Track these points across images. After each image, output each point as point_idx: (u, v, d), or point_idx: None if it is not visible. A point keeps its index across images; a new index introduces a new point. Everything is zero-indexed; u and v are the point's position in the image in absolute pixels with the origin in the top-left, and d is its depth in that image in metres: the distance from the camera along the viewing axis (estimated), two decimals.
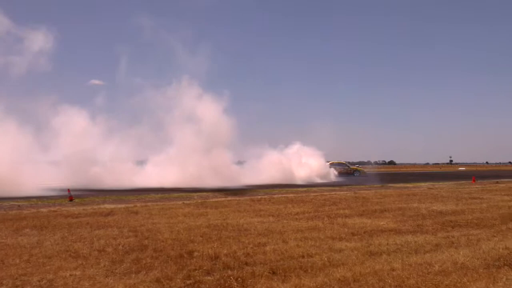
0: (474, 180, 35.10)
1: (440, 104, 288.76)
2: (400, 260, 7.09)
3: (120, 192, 22.94)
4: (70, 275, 6.34)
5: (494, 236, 9.38)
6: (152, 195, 20.35)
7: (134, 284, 5.93)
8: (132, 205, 15.61)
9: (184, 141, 37.75)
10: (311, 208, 14.58)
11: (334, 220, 11.60)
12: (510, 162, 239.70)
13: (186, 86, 40.63)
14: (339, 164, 57.91)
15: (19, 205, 15.72)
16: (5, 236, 9.39)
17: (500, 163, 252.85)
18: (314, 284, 5.88)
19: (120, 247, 8.15)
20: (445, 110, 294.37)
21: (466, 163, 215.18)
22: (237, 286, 5.87)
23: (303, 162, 45.77)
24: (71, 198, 17.91)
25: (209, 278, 6.19)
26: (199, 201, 17.24)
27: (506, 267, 6.74)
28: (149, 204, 16.01)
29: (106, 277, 6.25)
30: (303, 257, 7.39)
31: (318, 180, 41.50)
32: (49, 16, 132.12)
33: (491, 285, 5.92)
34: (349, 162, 64.63)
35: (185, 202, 16.77)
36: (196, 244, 8.45)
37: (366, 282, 5.98)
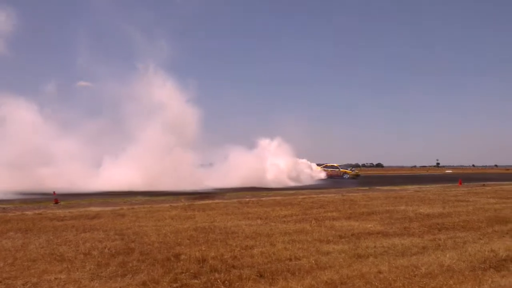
0: (460, 183, 35.39)
1: (428, 107, 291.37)
2: (387, 263, 7.11)
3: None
4: (55, 278, 6.26)
5: (480, 239, 9.46)
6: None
7: (120, 287, 5.87)
8: (118, 207, 15.49)
9: (144, 138, 34.85)
10: (299, 210, 14.58)
11: (321, 223, 11.61)
12: (496, 165, 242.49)
13: (146, 74, 37.85)
14: (332, 166, 58.17)
15: (4, 208, 15.52)
16: None
17: (486, 166, 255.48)
18: (301, 287, 5.86)
19: (106, 250, 8.07)
20: (432, 114, 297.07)
21: (453, 166, 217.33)
22: None
23: (274, 163, 42.22)
24: (56, 201, 17.71)
25: (196, 281, 6.15)
26: (187, 203, 17.16)
27: (491, 269, 6.79)
28: (136, 207, 15.90)
29: (92, 280, 6.18)
30: (290, 260, 7.38)
31: (291, 183, 39.02)
32: None
33: (477, 287, 5.96)
34: (347, 165, 64.61)
35: (172, 204, 16.68)
36: (183, 247, 8.40)
37: (353, 285, 5.98)
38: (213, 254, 7.72)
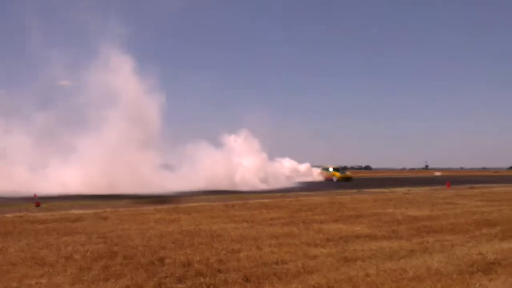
0: (448, 186, 35.58)
1: (416, 110, 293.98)
2: (374, 266, 7.02)
3: None
4: (36, 283, 6.10)
5: (468, 242, 9.42)
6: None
7: None
8: (101, 210, 15.27)
9: (99, 134, 31.28)
10: (287, 213, 14.48)
11: (309, 226, 11.51)
12: (484, 168, 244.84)
13: (102, 59, 33.79)
14: (326, 169, 58.40)
15: None
16: None
17: (474, 168, 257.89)
18: None
19: (89, 254, 7.90)
20: (421, 116, 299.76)
21: (442, 168, 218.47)
22: None
23: (242, 163, 39.19)
24: (37, 204, 17.42)
25: (180, 285, 6.03)
26: (172, 206, 16.97)
27: (479, 272, 6.74)
28: (119, 209, 15.69)
29: (73, 285, 6.02)
30: (277, 263, 7.27)
31: (262, 186, 36.12)
32: None
33: None
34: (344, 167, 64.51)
35: (157, 207, 16.49)
36: (167, 250, 8.25)
37: None
38: (198, 258, 7.59)
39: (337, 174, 57.36)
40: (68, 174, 29.17)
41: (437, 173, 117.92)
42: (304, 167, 63.37)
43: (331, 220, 12.89)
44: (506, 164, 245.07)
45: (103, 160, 29.70)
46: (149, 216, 13.45)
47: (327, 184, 44.29)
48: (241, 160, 39.62)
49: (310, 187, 37.79)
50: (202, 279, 6.27)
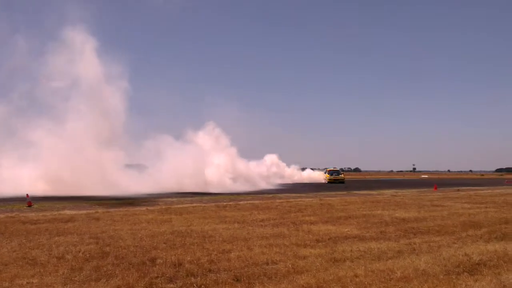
0: (436, 188, 35.90)
1: (404, 113, 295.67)
2: (363, 267, 7.13)
3: None
4: (27, 283, 6.12)
5: (455, 243, 9.58)
6: None
7: None
8: (93, 211, 15.25)
9: (59, 129, 28.47)
10: (277, 215, 14.58)
11: (299, 227, 11.62)
12: (471, 171, 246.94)
13: (65, 46, 30.33)
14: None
15: None
16: None
17: (461, 171, 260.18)
18: None
19: (80, 254, 7.92)
20: (409, 119, 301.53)
21: (429, 171, 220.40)
22: None
23: (216, 162, 36.48)
24: (29, 204, 17.35)
25: (171, 285, 6.08)
26: (164, 207, 16.99)
27: (465, 273, 6.86)
28: (111, 210, 15.68)
29: (65, 285, 6.05)
30: (267, 264, 7.35)
31: (235, 187, 33.72)
32: None
33: None
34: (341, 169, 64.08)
35: (148, 208, 16.50)
36: (159, 251, 8.30)
37: None
38: (189, 258, 7.65)
39: (327, 176, 57.28)
40: (24, 173, 26.76)
41: (424, 176, 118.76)
42: (293, 168, 63.45)
43: (321, 221, 13.01)
44: (492, 167, 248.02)
45: (64, 157, 27.13)
46: (141, 217, 13.48)
47: (309, 186, 43.92)
48: (211, 158, 37.01)
49: (290, 189, 36.99)
50: (193, 279, 6.33)
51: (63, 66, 30.22)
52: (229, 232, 10.59)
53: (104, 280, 6.27)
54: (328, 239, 9.84)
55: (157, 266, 7.07)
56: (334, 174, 57.69)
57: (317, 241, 9.58)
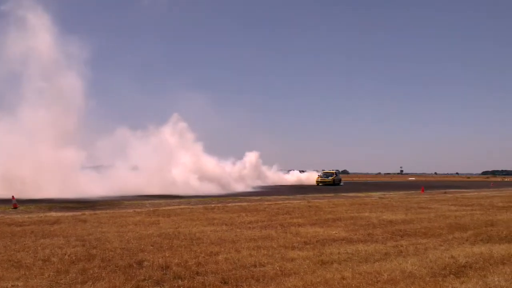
0: (423, 190, 36.17)
1: (392, 116, 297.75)
2: (350, 269, 7.16)
3: None
4: (12, 286, 6.04)
5: (441, 245, 9.66)
6: None
7: None
8: (80, 213, 15.11)
9: (6, 119, 25.47)
10: (265, 217, 14.58)
11: (287, 229, 11.63)
12: (457, 173, 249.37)
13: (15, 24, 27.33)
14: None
15: None
16: None
17: (448, 173, 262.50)
18: None
19: (66, 256, 7.83)
20: (397, 122, 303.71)
21: (416, 174, 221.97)
22: None
23: (182, 161, 33.22)
24: (15, 206, 17.14)
25: None
26: (151, 209, 16.91)
27: (451, 275, 6.92)
28: (98, 212, 15.55)
29: None
30: (255, 266, 7.35)
31: (204, 188, 30.56)
32: None
33: None
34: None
35: (136, 210, 16.40)
36: (146, 253, 8.25)
37: None
38: (177, 260, 7.61)
39: (317, 178, 56.97)
40: None
41: (412, 178, 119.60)
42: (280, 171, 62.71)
43: (309, 223, 13.03)
44: (478, 170, 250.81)
45: (15, 154, 24.54)
46: (128, 219, 13.36)
47: (284, 188, 42.32)
48: (176, 155, 33.95)
49: (268, 191, 35.39)
50: (180, 282, 6.30)
51: (12, 45, 27.32)
52: (217, 234, 10.56)
53: (91, 283, 6.21)
54: (316, 241, 9.86)
55: (144, 269, 7.02)
56: (323, 176, 57.32)
57: (305, 243, 9.59)
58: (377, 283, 6.39)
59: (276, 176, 61.02)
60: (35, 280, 6.32)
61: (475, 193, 33.75)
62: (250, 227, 11.97)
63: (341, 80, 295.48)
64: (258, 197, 26.13)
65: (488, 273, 7.06)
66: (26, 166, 24.38)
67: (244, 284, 6.26)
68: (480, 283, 6.50)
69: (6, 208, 16.67)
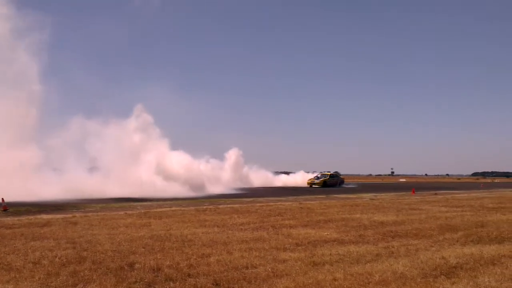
0: (414, 192, 36.35)
1: (382, 117, 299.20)
2: (342, 270, 7.18)
3: None
4: None
5: (432, 246, 9.71)
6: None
7: None
8: (70, 215, 15.01)
9: None
10: (257, 218, 14.57)
11: (279, 231, 11.63)
12: (447, 175, 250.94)
13: None
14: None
15: None
16: None
17: (438, 175, 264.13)
18: None
19: (57, 259, 7.78)
20: (387, 124, 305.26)
21: (407, 175, 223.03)
22: None
23: (148, 159, 30.11)
24: (5, 208, 16.99)
25: None
26: (142, 211, 16.84)
27: (442, 276, 6.96)
28: (89, 214, 15.46)
29: None
30: (247, 268, 7.34)
31: (175, 190, 28.06)
32: None
33: None
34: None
35: (127, 212, 16.33)
36: (137, 255, 8.21)
37: None
38: (168, 262, 7.59)
39: (309, 180, 56.76)
40: None
41: (402, 180, 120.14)
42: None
43: (300, 225, 13.04)
44: (469, 172, 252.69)
45: None
46: (119, 221, 13.28)
47: (266, 191, 39.98)
48: (140, 152, 31.07)
49: (247, 193, 34.03)
50: (171, 284, 6.29)
51: None
52: (208, 236, 10.54)
53: (81, 286, 6.18)
54: (308, 242, 9.87)
55: (136, 271, 6.99)
56: (315, 178, 57.14)
57: (297, 244, 9.60)
58: (369, 284, 6.41)
59: (261, 177, 58.80)
60: (26, 283, 6.27)
61: (466, 194, 33.96)
62: (242, 229, 11.96)
63: (329, 81, 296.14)
64: (232, 199, 26.08)
65: (479, 274, 7.12)
66: None
67: (236, 285, 6.26)
68: (470, 283, 6.54)
69: None
